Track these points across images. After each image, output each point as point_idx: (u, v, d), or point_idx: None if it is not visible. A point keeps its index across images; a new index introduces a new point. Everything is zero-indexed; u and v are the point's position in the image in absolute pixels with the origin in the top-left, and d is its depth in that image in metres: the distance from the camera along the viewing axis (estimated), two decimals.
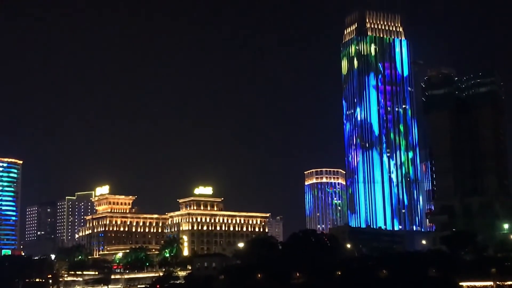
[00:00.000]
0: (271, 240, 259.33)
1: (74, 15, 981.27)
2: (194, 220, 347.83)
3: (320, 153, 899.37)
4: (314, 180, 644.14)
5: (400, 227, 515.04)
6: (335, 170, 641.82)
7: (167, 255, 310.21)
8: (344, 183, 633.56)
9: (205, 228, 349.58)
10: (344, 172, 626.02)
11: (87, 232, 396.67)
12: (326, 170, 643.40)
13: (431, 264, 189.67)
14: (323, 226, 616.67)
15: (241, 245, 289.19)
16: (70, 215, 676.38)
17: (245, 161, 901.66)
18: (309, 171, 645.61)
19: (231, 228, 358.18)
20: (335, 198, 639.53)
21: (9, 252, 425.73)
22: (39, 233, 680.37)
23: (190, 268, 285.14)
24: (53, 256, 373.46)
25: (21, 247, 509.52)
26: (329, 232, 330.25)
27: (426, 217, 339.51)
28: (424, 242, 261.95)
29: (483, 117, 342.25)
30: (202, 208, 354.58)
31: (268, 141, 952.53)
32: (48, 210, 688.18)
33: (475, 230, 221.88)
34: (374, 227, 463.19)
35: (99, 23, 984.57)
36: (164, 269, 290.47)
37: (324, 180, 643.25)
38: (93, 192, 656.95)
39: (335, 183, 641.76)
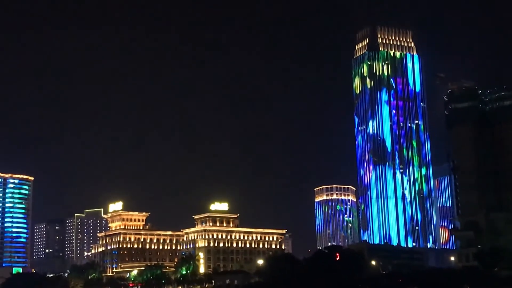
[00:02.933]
0: (293, 256, 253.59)
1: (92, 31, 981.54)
2: (210, 236, 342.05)
3: (331, 169, 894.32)
4: (324, 197, 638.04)
5: (414, 244, 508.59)
6: (346, 186, 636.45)
7: (184, 272, 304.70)
8: (355, 200, 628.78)
9: (221, 244, 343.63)
10: (355, 189, 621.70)
11: (100, 249, 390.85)
12: (336, 187, 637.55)
13: (463, 281, 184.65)
14: (333, 243, 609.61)
15: (260, 262, 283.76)
16: (79, 233, 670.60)
17: (257, 178, 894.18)
18: (319, 188, 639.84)
19: (248, 245, 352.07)
20: (346, 215, 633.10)
21: (20, 270, 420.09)
22: (47, 251, 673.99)
23: (208, 285, 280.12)
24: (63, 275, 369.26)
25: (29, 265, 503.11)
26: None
27: (451, 233, 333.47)
28: (452, 258, 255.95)
29: (507, 131, 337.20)
30: (218, 224, 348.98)
31: (280, 157, 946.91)
32: (57, 227, 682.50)
33: (501, 246, 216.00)
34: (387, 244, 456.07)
35: (119, 40, 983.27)
36: (182, 287, 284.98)
37: (335, 196, 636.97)
38: (102, 209, 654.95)
39: (345, 199, 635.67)
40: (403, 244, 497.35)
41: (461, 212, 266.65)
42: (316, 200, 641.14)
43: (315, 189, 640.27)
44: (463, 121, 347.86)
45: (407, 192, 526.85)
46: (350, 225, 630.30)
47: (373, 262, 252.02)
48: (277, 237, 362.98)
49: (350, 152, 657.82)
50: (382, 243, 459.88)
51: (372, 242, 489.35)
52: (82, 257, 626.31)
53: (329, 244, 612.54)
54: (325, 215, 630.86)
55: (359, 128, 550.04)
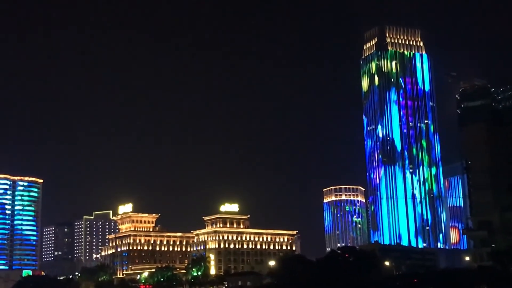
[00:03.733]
0: (305, 257, 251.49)
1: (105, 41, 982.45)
2: (221, 238, 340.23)
3: (340, 169, 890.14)
4: (333, 198, 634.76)
5: (424, 244, 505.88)
6: (354, 187, 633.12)
7: (195, 273, 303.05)
8: (364, 201, 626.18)
9: (232, 246, 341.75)
10: (364, 189, 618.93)
11: (110, 252, 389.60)
12: (345, 188, 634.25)
13: (480, 281, 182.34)
14: (343, 244, 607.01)
15: (272, 263, 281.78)
16: (88, 235, 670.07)
17: (265, 178, 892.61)
18: (327, 189, 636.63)
19: (258, 246, 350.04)
20: (354, 216, 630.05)
21: (29, 272, 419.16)
22: (56, 253, 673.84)
23: (220, 287, 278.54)
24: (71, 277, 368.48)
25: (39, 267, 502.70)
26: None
27: (464, 233, 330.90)
28: (467, 258, 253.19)
29: None
30: (228, 225, 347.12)
31: (289, 158, 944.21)
32: (65, 230, 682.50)
33: None
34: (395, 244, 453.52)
35: (129, 47, 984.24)
36: None
37: (343, 197, 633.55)
38: (110, 211, 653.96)
39: (354, 200, 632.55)
40: (413, 244, 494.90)
41: (474, 212, 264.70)
42: (325, 201, 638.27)
43: (323, 190, 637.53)
44: (475, 119, 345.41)
45: (417, 192, 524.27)
46: (359, 225, 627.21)
47: (387, 263, 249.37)
48: (287, 238, 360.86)
49: (359, 153, 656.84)
50: (393, 244, 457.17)
51: (382, 243, 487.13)
52: (91, 260, 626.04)
53: (338, 245, 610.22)
54: (334, 216, 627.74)
55: (368, 128, 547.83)
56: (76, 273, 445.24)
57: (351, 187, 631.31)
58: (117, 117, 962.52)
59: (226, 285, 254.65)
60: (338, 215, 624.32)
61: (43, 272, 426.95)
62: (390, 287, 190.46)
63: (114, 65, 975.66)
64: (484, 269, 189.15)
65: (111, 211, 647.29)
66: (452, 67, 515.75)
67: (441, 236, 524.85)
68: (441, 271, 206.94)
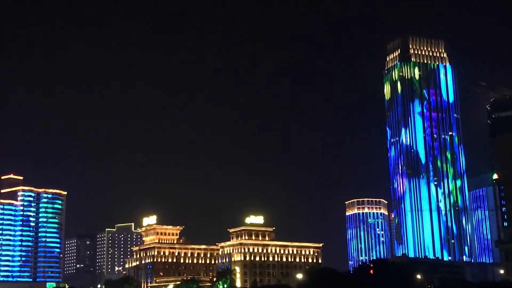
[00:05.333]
0: (335, 270, 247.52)
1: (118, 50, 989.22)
2: (246, 250, 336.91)
3: (363, 182, 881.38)
4: (356, 210, 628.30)
5: (449, 257, 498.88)
6: (377, 200, 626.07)
7: (221, 286, 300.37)
8: (387, 213, 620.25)
9: (257, 258, 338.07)
10: (386, 202, 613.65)
11: (134, 264, 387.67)
12: (368, 200, 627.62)
13: None
14: (365, 257, 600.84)
15: (299, 276, 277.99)
16: (110, 247, 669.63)
17: (289, 190, 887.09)
18: (350, 201, 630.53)
19: (284, 259, 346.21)
20: (377, 229, 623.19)
21: (53, 285, 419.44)
22: (78, 266, 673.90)
23: None
24: None
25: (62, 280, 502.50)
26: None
27: (496, 245, 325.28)
28: (501, 271, 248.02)
29: None
30: (253, 238, 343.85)
31: (312, 170, 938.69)
32: (87, 242, 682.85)
33: None
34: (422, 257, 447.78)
35: (146, 60, 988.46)
36: None
37: (366, 210, 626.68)
38: (132, 224, 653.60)
39: (377, 213, 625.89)
40: (438, 257, 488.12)
41: (507, 224, 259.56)
42: (347, 213, 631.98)
43: (346, 202, 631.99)
44: (507, 129, 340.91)
45: (441, 205, 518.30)
46: (382, 238, 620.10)
47: (418, 276, 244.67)
48: (313, 251, 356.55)
49: (382, 165, 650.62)
50: (419, 256, 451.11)
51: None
52: (113, 272, 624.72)
53: (361, 258, 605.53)
54: (357, 228, 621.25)
55: (392, 140, 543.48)
56: (98, 286, 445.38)
57: (374, 199, 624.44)
58: (142, 131, 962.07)
59: None
60: (361, 227, 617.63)
61: (66, 285, 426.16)
62: None
63: (140, 79, 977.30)
64: None
65: (133, 224, 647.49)
66: (476, 78, 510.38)
67: (466, 249, 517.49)
68: (478, 285, 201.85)
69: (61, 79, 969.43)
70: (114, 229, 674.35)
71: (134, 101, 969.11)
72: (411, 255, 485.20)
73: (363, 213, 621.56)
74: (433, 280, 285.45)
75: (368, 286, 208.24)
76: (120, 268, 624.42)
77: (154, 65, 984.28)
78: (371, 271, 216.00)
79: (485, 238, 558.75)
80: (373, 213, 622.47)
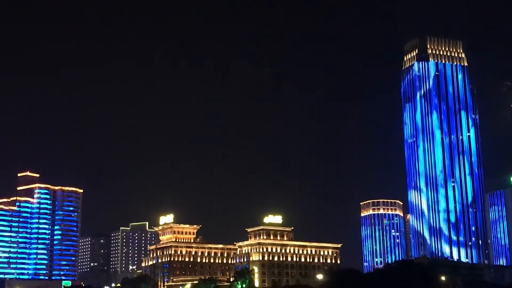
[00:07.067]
0: (357, 271, 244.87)
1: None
2: (265, 250, 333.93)
3: (379, 182, 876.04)
4: (371, 212, 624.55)
5: (466, 259, 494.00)
6: (393, 201, 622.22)
7: (239, 286, 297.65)
8: (402, 215, 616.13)
9: (276, 258, 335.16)
10: (402, 203, 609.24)
11: (150, 263, 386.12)
12: (383, 201, 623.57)
13: None
14: (381, 259, 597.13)
15: (320, 276, 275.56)
16: (124, 246, 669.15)
17: (306, 190, 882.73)
18: (365, 202, 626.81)
19: (303, 259, 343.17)
20: (393, 230, 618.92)
21: (69, 283, 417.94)
22: (92, 264, 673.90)
23: None
24: None
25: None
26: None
27: None
28: None
29: None
30: (272, 237, 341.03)
31: (330, 170, 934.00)
32: (102, 241, 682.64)
33: None
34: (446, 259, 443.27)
35: (163, 59, 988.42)
36: None
37: (381, 211, 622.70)
38: (147, 222, 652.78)
39: (392, 214, 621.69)
40: (455, 259, 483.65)
41: None
42: (362, 214, 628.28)
43: (361, 203, 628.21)
44: None
45: (459, 206, 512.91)
46: (397, 240, 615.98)
47: (442, 278, 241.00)
48: (332, 251, 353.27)
49: (399, 165, 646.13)
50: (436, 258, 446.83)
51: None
52: (127, 271, 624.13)
53: (376, 259, 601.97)
54: (372, 229, 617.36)
55: (409, 140, 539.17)
56: (113, 284, 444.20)
57: (389, 200, 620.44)
58: (158, 129, 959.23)
59: None
60: (376, 229, 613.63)
61: (82, 283, 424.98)
62: None
63: (156, 77, 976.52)
64: None
65: (147, 223, 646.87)
66: (493, 78, 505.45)
67: (485, 251, 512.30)
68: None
69: (78, 76, 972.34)
70: (129, 228, 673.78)
71: (150, 99, 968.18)
72: (428, 257, 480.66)
73: (378, 214, 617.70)
74: (454, 281, 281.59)
75: (392, 286, 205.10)
76: (134, 267, 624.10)
77: (172, 63, 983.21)
78: (395, 272, 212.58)
79: (502, 240, 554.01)
80: (389, 214, 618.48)
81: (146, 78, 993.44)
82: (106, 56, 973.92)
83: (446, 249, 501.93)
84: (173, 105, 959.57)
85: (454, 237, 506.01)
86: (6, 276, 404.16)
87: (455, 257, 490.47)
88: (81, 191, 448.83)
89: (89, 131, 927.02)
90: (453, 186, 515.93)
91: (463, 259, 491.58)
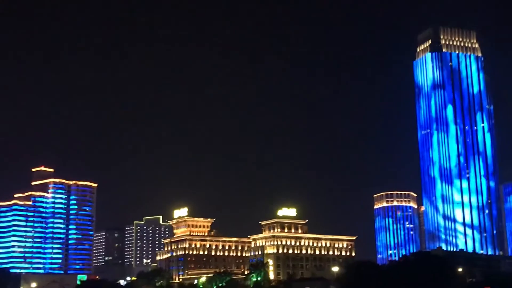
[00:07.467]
0: (374, 263, 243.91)
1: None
2: (279, 243, 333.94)
3: (392, 174, 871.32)
4: (384, 204, 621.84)
5: (481, 251, 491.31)
6: (406, 193, 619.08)
7: (254, 279, 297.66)
8: (416, 206, 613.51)
9: (290, 251, 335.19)
10: (416, 195, 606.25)
11: (165, 256, 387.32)
12: (397, 193, 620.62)
13: None
14: (394, 251, 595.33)
15: (335, 269, 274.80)
16: (138, 240, 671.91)
17: (319, 183, 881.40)
18: (378, 194, 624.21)
19: (317, 252, 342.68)
20: (407, 222, 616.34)
21: (84, 277, 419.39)
22: (106, 258, 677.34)
23: None
24: (122, 282, 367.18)
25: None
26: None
27: None
28: None
29: None
30: (286, 230, 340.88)
31: (343, 162, 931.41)
32: (116, 235, 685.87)
33: None
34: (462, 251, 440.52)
35: (181, 52, 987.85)
36: None
37: (395, 203, 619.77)
38: (160, 216, 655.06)
39: (406, 206, 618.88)
40: (470, 251, 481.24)
41: None
42: (376, 207, 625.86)
43: (374, 195, 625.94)
44: None
45: (473, 198, 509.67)
46: (411, 232, 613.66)
47: (460, 269, 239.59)
48: (347, 244, 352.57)
49: (412, 156, 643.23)
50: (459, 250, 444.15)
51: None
52: (142, 265, 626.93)
53: (390, 251, 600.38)
54: (385, 222, 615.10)
55: (422, 132, 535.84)
56: (128, 278, 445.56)
57: (403, 192, 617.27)
58: (172, 123, 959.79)
59: None
60: (390, 221, 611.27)
61: (97, 277, 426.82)
62: None
63: (172, 70, 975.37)
64: None
65: (161, 216, 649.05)
66: (508, 69, 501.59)
67: (500, 242, 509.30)
68: None
69: (91, 71, 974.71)
70: (142, 222, 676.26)
71: (163, 93, 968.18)
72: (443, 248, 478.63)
73: (392, 206, 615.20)
74: (470, 273, 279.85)
75: (410, 279, 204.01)
76: (149, 261, 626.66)
77: (187, 57, 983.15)
78: (413, 264, 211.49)
79: None
80: (402, 206, 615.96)
81: (161, 72, 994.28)
82: (121, 48, 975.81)
83: (461, 240, 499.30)
84: (185, 98, 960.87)
85: (468, 229, 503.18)
86: (22, 270, 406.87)
87: (470, 248, 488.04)
88: (96, 185, 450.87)
89: (103, 126, 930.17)
90: (468, 177, 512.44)
91: (478, 250, 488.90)
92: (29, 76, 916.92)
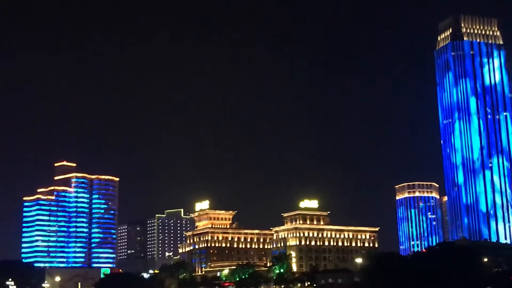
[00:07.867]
0: (398, 254, 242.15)
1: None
2: (301, 235, 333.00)
3: (415, 165, 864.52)
4: (406, 195, 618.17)
5: (505, 240, 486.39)
6: (428, 183, 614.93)
7: (277, 271, 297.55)
8: (438, 197, 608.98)
9: (313, 243, 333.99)
10: (438, 186, 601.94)
11: (187, 249, 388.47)
12: (418, 184, 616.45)
13: None
14: (417, 242, 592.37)
15: (358, 260, 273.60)
16: (160, 233, 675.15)
17: (341, 174, 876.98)
18: (400, 185, 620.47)
19: (340, 243, 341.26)
20: (429, 213, 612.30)
21: (107, 270, 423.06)
22: (129, 251, 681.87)
23: (308, 284, 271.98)
24: (145, 275, 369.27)
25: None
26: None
27: None
28: None
29: None
30: (308, 222, 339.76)
31: (364, 154, 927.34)
32: (138, 228, 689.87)
33: None
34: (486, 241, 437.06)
35: (196, 46, 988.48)
36: (279, 286, 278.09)
37: (417, 194, 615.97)
38: (182, 209, 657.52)
39: (428, 197, 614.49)
40: (493, 240, 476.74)
41: None
42: (398, 197, 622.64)
43: (396, 186, 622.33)
44: None
45: (497, 187, 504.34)
46: (434, 222, 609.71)
47: (485, 259, 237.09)
48: (370, 235, 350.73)
49: (434, 147, 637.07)
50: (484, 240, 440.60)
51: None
52: (164, 257, 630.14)
53: (412, 242, 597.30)
54: (408, 213, 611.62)
55: (444, 121, 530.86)
56: (151, 271, 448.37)
57: (425, 183, 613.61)
58: (193, 116, 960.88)
59: (315, 283, 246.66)
60: (412, 212, 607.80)
61: (121, 270, 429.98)
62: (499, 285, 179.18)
63: (190, 66, 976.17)
64: None
65: (182, 209, 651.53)
66: None
67: None
68: None
69: (110, 68, 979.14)
70: (164, 215, 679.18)
71: (185, 86, 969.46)
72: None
73: (414, 197, 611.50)
74: (496, 263, 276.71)
75: (435, 269, 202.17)
76: (171, 254, 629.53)
77: (202, 51, 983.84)
78: (438, 254, 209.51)
79: None
80: (424, 197, 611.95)
81: (177, 67, 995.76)
82: (139, 46, 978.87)
83: (484, 230, 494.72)
84: (205, 91, 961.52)
85: (492, 219, 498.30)
86: (46, 264, 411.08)
87: (493, 238, 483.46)
88: (117, 179, 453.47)
89: (124, 120, 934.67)
90: (490, 167, 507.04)
91: (502, 240, 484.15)
92: (53, 74, 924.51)
